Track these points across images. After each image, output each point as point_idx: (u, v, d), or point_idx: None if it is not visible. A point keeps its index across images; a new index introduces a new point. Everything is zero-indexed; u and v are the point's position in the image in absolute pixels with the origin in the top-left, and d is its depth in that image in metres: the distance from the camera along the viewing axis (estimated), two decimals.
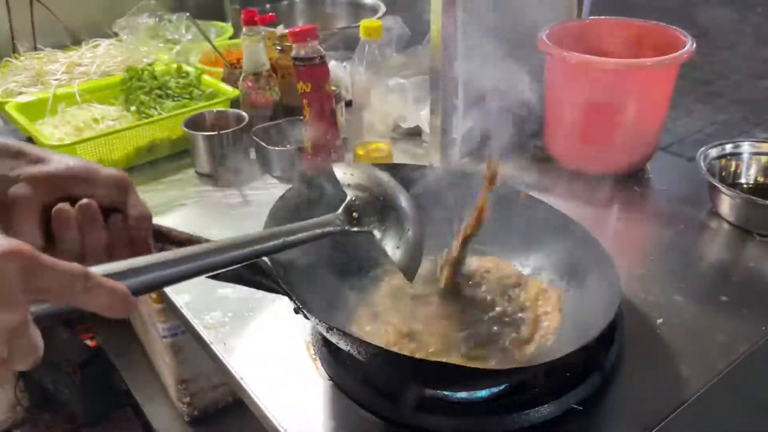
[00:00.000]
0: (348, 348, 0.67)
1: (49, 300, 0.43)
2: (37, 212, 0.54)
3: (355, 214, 0.69)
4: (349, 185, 0.73)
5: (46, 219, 0.55)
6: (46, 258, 0.42)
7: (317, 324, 0.68)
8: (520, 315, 0.79)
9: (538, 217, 0.88)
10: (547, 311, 0.79)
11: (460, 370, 0.64)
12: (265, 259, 0.67)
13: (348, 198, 0.71)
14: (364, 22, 1.11)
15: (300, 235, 0.63)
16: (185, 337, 1.41)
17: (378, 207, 0.71)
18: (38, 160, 0.56)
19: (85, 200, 0.55)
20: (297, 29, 1.07)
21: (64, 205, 0.54)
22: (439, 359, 0.71)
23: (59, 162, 0.56)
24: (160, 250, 0.60)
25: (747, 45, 4.89)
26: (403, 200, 0.74)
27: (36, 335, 0.42)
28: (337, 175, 0.74)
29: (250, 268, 0.66)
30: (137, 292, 0.48)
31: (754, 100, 3.94)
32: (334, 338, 0.67)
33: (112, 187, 0.57)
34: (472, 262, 0.87)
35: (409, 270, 0.70)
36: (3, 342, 0.39)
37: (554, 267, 0.85)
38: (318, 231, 0.65)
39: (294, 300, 0.67)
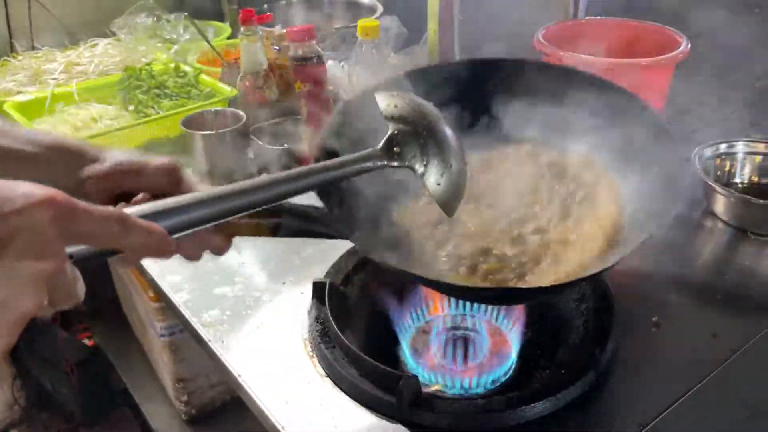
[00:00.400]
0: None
1: (88, 244, 0.45)
2: None
3: (396, 149, 0.67)
4: (392, 117, 0.69)
5: None
6: (82, 204, 0.43)
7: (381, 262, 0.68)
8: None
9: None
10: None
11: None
12: (316, 204, 0.66)
13: (390, 131, 0.68)
14: (362, 22, 1.12)
15: (339, 171, 0.62)
16: (183, 336, 1.42)
17: (421, 141, 0.68)
18: (96, 158, 0.59)
19: (139, 196, 0.57)
20: (295, 29, 1.08)
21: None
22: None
23: (113, 158, 0.59)
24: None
25: (743, 45, 4.92)
26: (448, 134, 0.70)
27: (75, 278, 0.44)
28: (379, 106, 0.71)
29: (304, 219, 0.65)
30: (174, 231, 0.49)
31: (750, 101, 3.96)
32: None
33: (162, 176, 0.59)
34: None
35: (449, 206, 0.68)
36: (42, 288, 0.41)
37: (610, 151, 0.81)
38: (357, 166, 0.64)
39: (354, 242, 0.68)
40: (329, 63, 1.45)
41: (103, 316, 1.86)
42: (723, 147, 1.11)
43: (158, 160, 0.59)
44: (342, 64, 1.48)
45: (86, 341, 1.86)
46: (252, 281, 0.93)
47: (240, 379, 0.77)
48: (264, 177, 0.57)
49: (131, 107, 1.31)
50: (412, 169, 0.68)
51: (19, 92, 1.35)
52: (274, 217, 0.63)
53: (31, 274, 0.40)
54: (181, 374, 1.46)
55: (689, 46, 1.10)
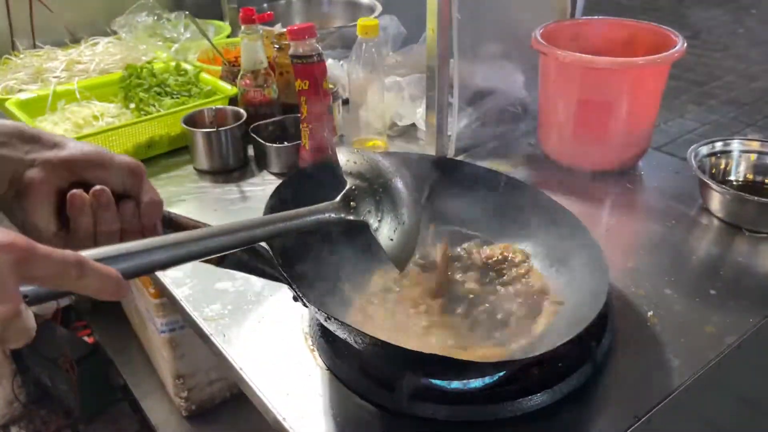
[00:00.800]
0: (345, 337, 0.68)
1: (45, 286, 0.45)
2: (52, 197, 0.56)
3: (353, 203, 0.71)
4: (350, 173, 0.73)
5: (61, 204, 0.56)
6: (41, 248, 0.43)
7: (316, 312, 0.69)
8: (510, 305, 0.81)
9: (528, 203, 0.90)
10: (539, 301, 0.80)
11: (452, 362, 0.66)
12: (266, 246, 0.68)
13: (347, 186, 0.72)
14: (362, 21, 1.13)
15: (296, 222, 0.65)
16: (183, 332, 1.43)
17: (377, 197, 0.73)
18: (54, 146, 0.58)
19: (98, 186, 0.57)
20: (295, 27, 1.08)
21: (78, 191, 0.56)
22: (432, 349, 0.73)
23: (74, 148, 0.58)
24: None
25: (740, 46, 4.93)
26: (403, 191, 0.74)
27: (28, 318, 0.44)
28: (340, 161, 0.75)
29: (253, 255, 0.67)
30: (129, 275, 0.50)
31: (745, 102, 3.99)
32: (332, 327, 0.69)
33: (125, 174, 0.59)
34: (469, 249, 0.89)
35: (400, 261, 0.72)
36: None
37: (543, 254, 0.87)
38: (314, 218, 0.67)
39: (294, 288, 0.68)
40: (329, 62, 1.46)
41: (103, 313, 1.87)
42: (719, 145, 1.12)
43: (122, 157, 0.59)
44: (341, 63, 1.49)
45: (86, 338, 1.87)
46: (253, 276, 0.93)
47: (242, 373, 0.78)
48: (221, 225, 0.58)
49: (132, 105, 1.31)
50: (367, 223, 0.71)
51: (20, 90, 1.36)
52: None
53: None
54: (181, 370, 1.47)
55: (685, 45, 1.11)
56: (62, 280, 0.45)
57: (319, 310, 0.67)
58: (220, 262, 0.65)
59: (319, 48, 1.11)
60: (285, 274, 0.68)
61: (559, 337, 0.68)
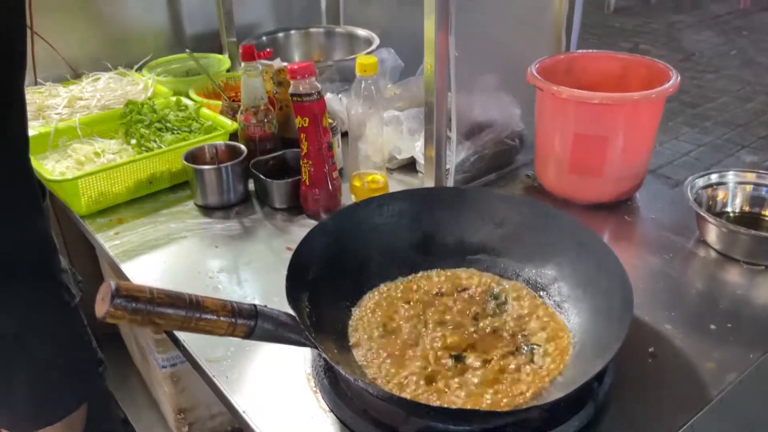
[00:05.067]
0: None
1: None
2: None
3: None
4: None
5: None
6: None
7: (353, 381, 0.73)
8: (527, 345, 0.83)
9: (556, 227, 0.94)
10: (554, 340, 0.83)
11: (461, 412, 0.67)
12: (293, 314, 0.72)
13: None
14: (360, 59, 1.14)
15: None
16: (184, 366, 1.43)
17: None
18: None
19: None
20: (295, 66, 1.10)
21: None
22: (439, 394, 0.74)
23: None
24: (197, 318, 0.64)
25: (732, 68, 4.99)
26: None
27: None
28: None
29: (281, 325, 0.71)
30: None
31: (739, 123, 4.03)
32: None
33: None
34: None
35: None
36: None
37: (568, 278, 0.90)
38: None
39: (326, 357, 0.72)
40: (328, 96, 1.48)
41: (103, 346, 1.85)
42: (714, 177, 1.13)
43: None
44: (340, 96, 1.51)
45: None
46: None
47: (245, 415, 0.78)
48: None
49: (133, 141, 1.33)
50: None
51: None
52: (250, 319, 0.68)
53: None
54: (182, 405, 1.46)
55: (679, 79, 1.12)
56: None
57: (355, 380, 0.71)
58: (248, 335, 0.67)
59: (319, 86, 1.13)
60: (315, 342, 0.71)
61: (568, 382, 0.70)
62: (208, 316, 0.65)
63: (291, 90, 1.12)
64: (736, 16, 5.77)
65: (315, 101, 1.12)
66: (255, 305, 0.70)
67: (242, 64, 1.28)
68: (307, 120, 1.13)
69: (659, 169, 3.20)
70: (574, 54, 1.29)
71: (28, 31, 1.47)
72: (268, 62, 1.41)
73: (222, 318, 0.66)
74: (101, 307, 0.59)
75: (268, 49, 1.35)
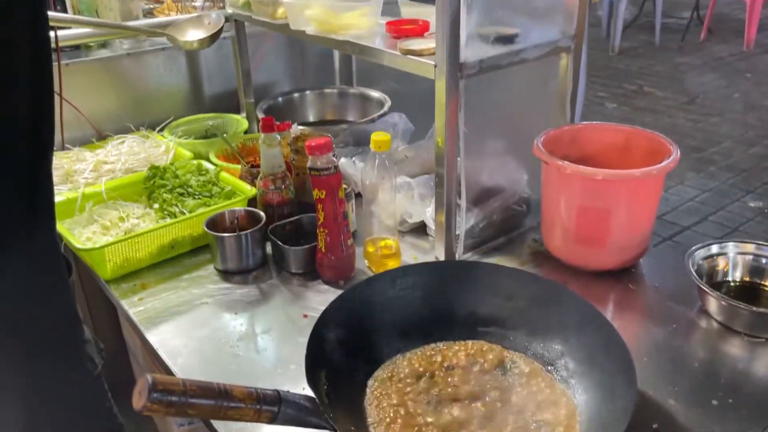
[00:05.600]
0: None
1: None
2: None
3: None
4: None
5: None
6: None
7: None
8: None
9: (562, 303, 0.98)
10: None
11: None
12: (314, 396, 0.76)
13: None
14: (374, 136, 1.21)
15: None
16: (201, 424, 1.46)
17: None
18: None
19: None
20: (313, 143, 1.16)
21: None
22: None
23: None
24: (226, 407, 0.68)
25: (736, 111, 5.06)
26: None
27: None
28: None
29: (303, 410, 0.75)
30: None
31: (744, 168, 4.07)
32: None
33: None
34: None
35: None
36: None
37: (574, 354, 0.94)
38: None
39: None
40: (342, 161, 1.55)
41: (123, 398, 1.89)
42: (715, 248, 1.18)
43: None
44: (353, 159, 1.57)
45: None
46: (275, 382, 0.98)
47: None
48: None
49: (156, 205, 1.38)
50: None
51: None
52: (273, 405, 0.73)
53: None
54: None
55: (679, 153, 1.18)
56: None
57: None
58: (272, 420, 0.72)
59: (335, 160, 1.19)
60: (335, 427, 0.76)
61: None
62: (236, 405, 0.69)
63: (309, 164, 1.18)
64: (739, 58, 5.87)
65: (332, 174, 1.18)
66: (278, 391, 0.75)
67: (262, 135, 1.34)
68: (324, 192, 1.18)
69: (665, 215, 3.25)
70: (579, 126, 1.34)
71: (57, 98, 1.55)
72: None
73: (248, 406, 0.70)
74: (138, 401, 0.64)
75: (287, 121, 1.42)
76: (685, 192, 3.52)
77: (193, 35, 1.66)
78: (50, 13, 1.69)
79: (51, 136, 0.94)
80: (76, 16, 1.82)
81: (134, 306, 1.19)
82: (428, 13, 1.42)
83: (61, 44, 1.56)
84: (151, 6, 2.26)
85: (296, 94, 1.92)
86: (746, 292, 1.15)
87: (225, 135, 1.58)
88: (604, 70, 5.68)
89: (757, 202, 3.36)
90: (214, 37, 1.65)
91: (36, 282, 0.95)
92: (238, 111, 1.90)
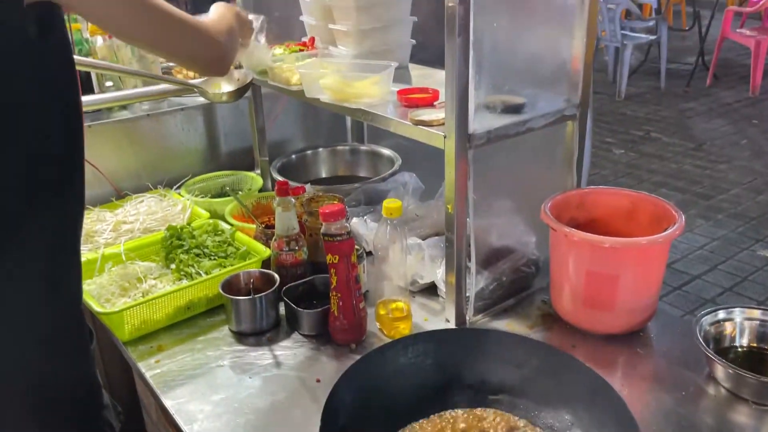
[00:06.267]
0: None
1: None
2: None
3: None
4: None
5: None
6: None
7: None
8: None
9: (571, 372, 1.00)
10: None
11: None
12: None
13: None
14: (386, 203, 1.25)
15: None
16: None
17: None
18: None
19: None
20: (327, 210, 1.20)
21: None
22: None
23: None
24: None
25: (743, 158, 5.10)
26: None
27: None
28: None
29: None
30: None
31: (752, 216, 4.08)
32: None
33: None
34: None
35: None
36: None
37: (584, 424, 0.96)
38: None
39: None
40: (354, 221, 1.59)
41: None
42: (721, 314, 1.19)
43: None
44: (365, 218, 1.61)
45: None
46: None
47: None
48: None
49: (173, 266, 1.42)
50: None
51: None
52: None
53: None
54: None
55: (683, 220, 1.21)
56: None
57: None
58: None
59: (348, 226, 1.22)
60: None
61: None
62: None
63: (323, 230, 1.21)
64: (745, 104, 5.93)
65: (345, 240, 1.21)
66: None
67: (276, 198, 1.38)
68: (337, 257, 1.22)
69: (674, 264, 3.26)
70: (586, 190, 1.38)
71: None
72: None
73: None
74: None
75: (301, 185, 1.46)
76: (694, 240, 3.53)
77: (223, 88, 1.72)
78: (90, 60, 1.76)
79: (81, 206, 0.98)
80: (119, 66, 1.87)
81: (151, 369, 1.22)
82: (438, 76, 1.48)
83: (84, 109, 1.63)
84: (171, 64, 2.35)
85: (309, 152, 1.98)
86: (754, 358, 1.17)
87: (239, 194, 1.63)
88: (611, 116, 5.75)
89: (767, 251, 3.37)
90: (242, 91, 1.70)
91: (59, 346, 0.99)
92: (253, 168, 1.96)
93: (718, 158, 4.67)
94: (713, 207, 3.92)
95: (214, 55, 1.14)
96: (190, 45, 1.08)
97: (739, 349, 1.19)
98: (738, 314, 1.20)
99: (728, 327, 1.20)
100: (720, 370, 1.11)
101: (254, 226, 1.55)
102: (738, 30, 6.55)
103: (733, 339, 1.20)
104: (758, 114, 5.60)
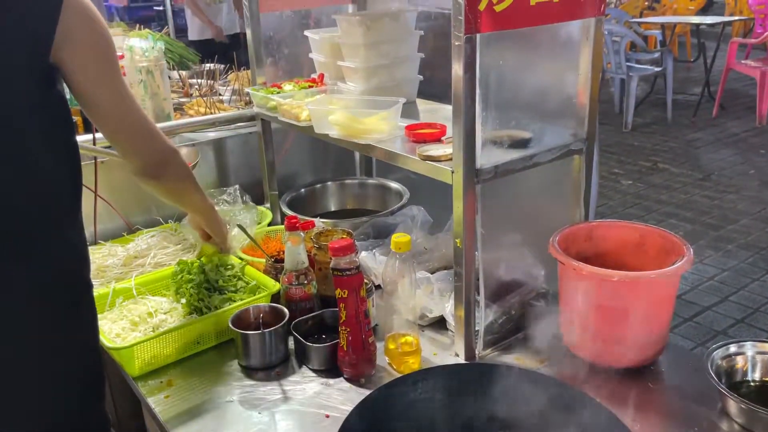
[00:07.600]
0: None
1: None
2: None
3: None
4: None
5: None
6: None
7: None
8: None
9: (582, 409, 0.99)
10: None
11: None
12: None
13: None
14: (395, 238, 1.26)
15: None
16: None
17: None
18: None
19: None
20: (336, 245, 1.21)
21: None
22: None
23: None
24: None
25: (752, 188, 5.08)
26: None
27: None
28: None
29: None
30: None
31: (762, 246, 4.05)
32: None
33: None
34: None
35: None
36: None
37: None
38: None
39: None
40: (362, 254, 1.59)
41: None
42: (733, 348, 1.18)
43: None
44: (374, 252, 1.62)
45: None
46: None
47: None
48: None
49: (183, 300, 1.43)
50: None
51: None
52: None
53: None
54: None
55: (692, 253, 1.21)
56: None
57: None
58: None
59: (357, 261, 1.23)
60: None
61: None
62: None
63: (332, 265, 1.22)
64: (753, 134, 5.93)
65: (354, 275, 1.22)
66: None
67: (286, 233, 1.39)
68: (346, 292, 1.22)
69: (684, 295, 3.23)
70: (594, 223, 1.38)
71: (92, 195, 1.63)
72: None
73: None
74: None
75: (310, 220, 1.48)
76: (704, 270, 3.51)
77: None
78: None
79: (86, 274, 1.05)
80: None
81: (160, 404, 1.22)
82: (445, 111, 1.51)
83: (98, 145, 1.65)
84: (182, 100, 2.39)
85: (318, 185, 2.00)
86: (766, 392, 1.15)
87: (245, 227, 1.64)
88: (618, 147, 5.77)
89: None
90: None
91: (77, 395, 1.00)
92: (262, 201, 1.98)
93: (727, 188, 4.66)
94: (723, 237, 3.90)
95: (157, 158, 1.21)
96: (141, 140, 1.17)
97: (752, 384, 1.18)
98: (749, 348, 1.19)
99: (740, 361, 1.19)
100: (733, 406, 1.09)
101: (264, 260, 1.56)
102: (743, 61, 6.59)
103: (744, 373, 1.19)
104: (765, 144, 5.60)
